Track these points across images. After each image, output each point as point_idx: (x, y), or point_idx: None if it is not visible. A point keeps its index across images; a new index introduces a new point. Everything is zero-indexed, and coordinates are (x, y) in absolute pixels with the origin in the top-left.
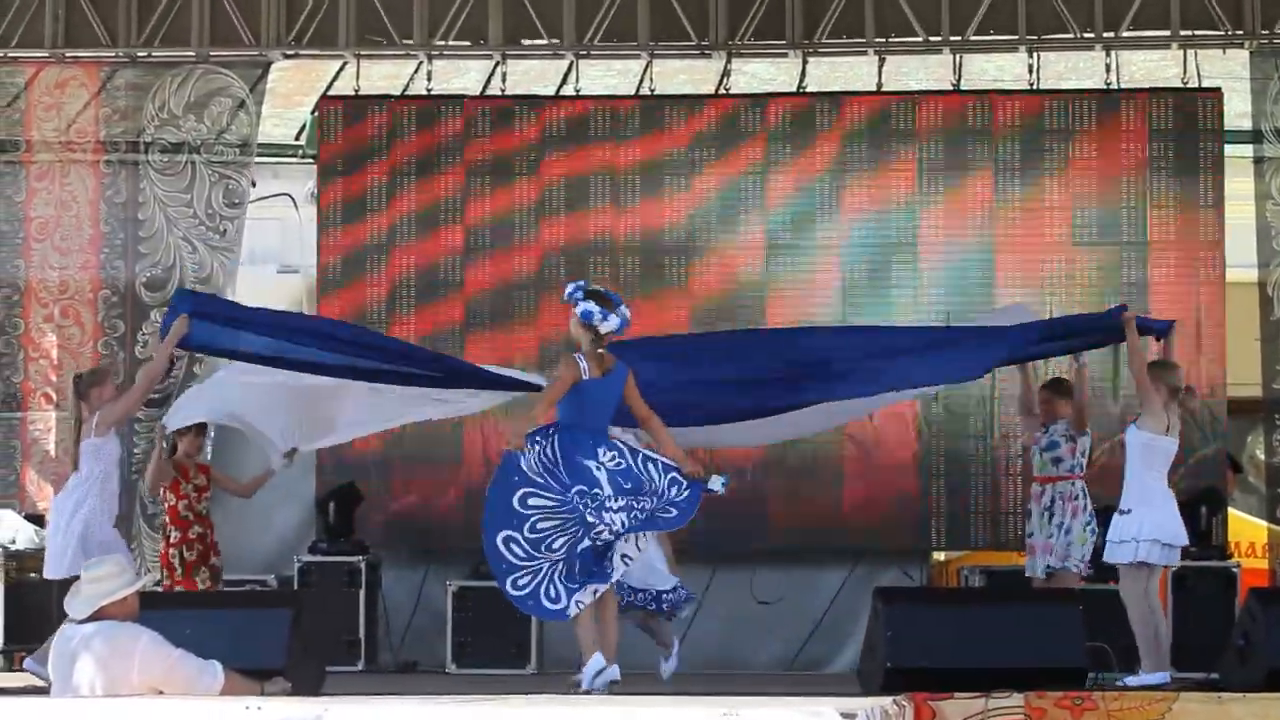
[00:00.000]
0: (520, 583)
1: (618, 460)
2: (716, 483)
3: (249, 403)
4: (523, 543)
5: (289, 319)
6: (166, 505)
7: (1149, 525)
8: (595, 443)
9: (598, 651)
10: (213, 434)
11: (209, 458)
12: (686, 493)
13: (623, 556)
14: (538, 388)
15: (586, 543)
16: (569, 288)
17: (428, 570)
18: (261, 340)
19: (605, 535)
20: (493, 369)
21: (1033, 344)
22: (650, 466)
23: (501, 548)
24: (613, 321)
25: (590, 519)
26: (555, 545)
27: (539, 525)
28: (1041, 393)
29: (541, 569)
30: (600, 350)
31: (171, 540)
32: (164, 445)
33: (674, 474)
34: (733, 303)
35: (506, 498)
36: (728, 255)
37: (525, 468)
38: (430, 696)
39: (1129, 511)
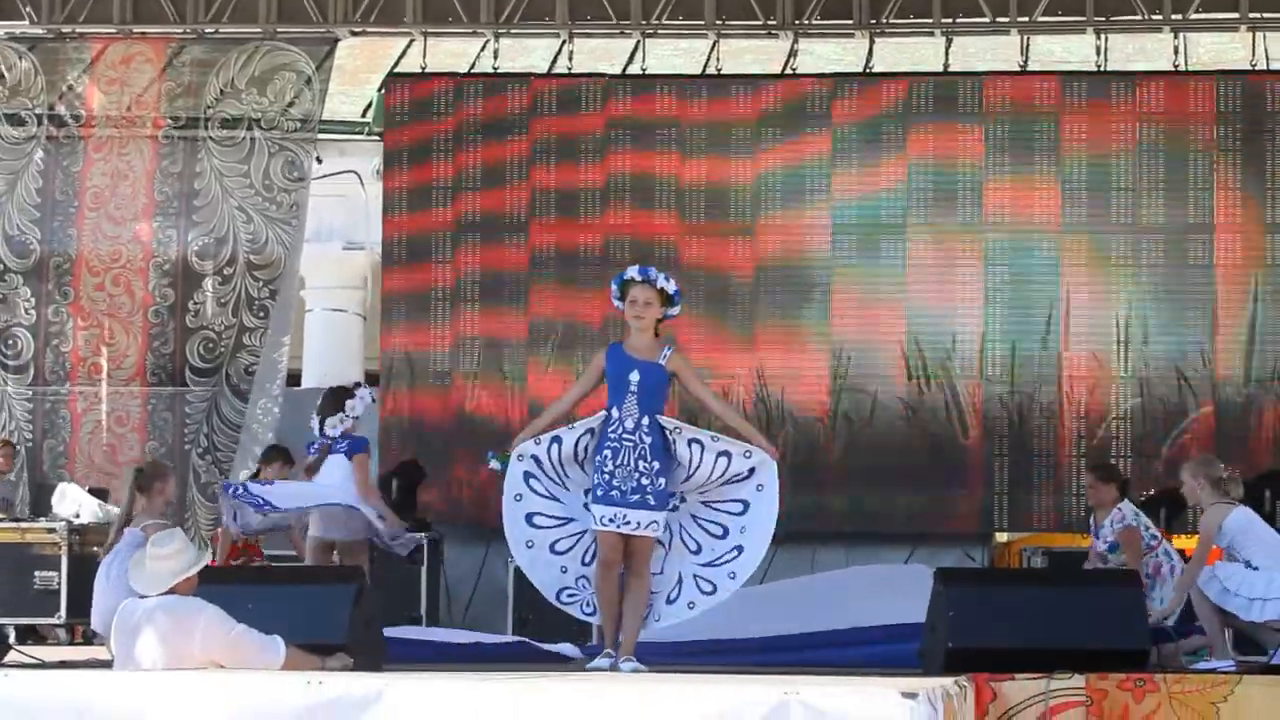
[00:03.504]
0: None
1: None
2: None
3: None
4: None
5: None
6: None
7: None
8: None
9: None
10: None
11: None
12: None
13: None
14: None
15: None
16: (672, 287)
17: (489, 547)
18: None
19: None
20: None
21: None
22: None
23: None
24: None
25: None
26: None
27: None
28: (1086, 476)
29: None
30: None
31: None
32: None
33: None
34: (798, 279)
35: None
36: (793, 233)
37: None
38: (490, 672)
39: (1258, 569)
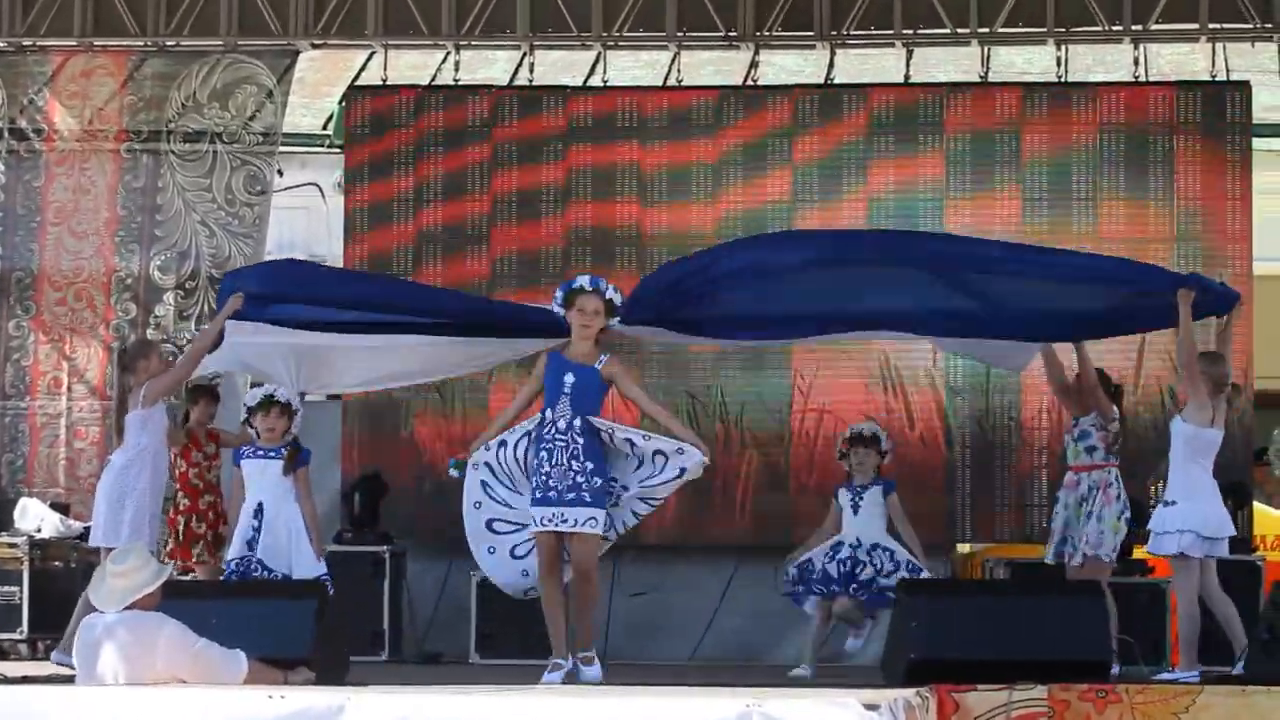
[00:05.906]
0: None
1: None
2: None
3: (252, 352)
4: None
5: (342, 290)
6: (177, 471)
7: (1192, 518)
8: None
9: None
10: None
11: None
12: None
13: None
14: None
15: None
16: (619, 299)
17: (452, 561)
18: (314, 311)
19: None
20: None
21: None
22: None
23: None
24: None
25: None
26: None
27: None
28: (1077, 384)
29: None
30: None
31: (180, 507)
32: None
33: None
34: None
35: None
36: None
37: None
38: (453, 687)
39: (1173, 503)
